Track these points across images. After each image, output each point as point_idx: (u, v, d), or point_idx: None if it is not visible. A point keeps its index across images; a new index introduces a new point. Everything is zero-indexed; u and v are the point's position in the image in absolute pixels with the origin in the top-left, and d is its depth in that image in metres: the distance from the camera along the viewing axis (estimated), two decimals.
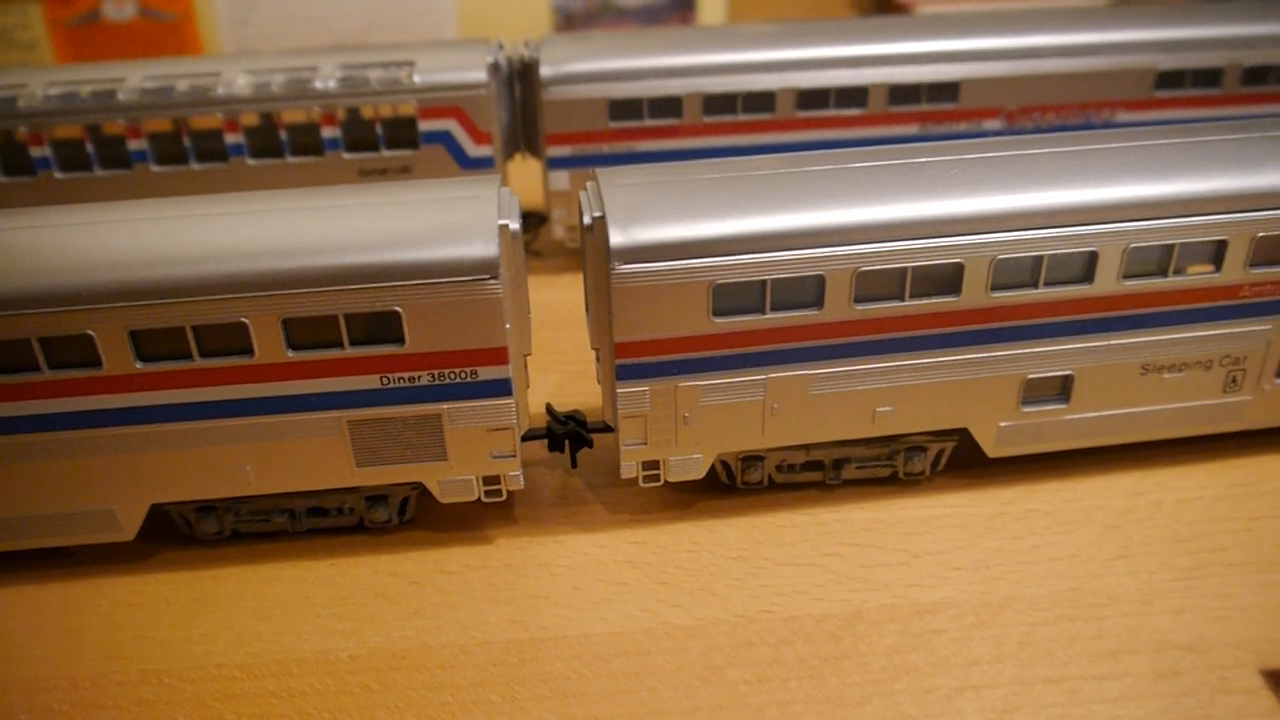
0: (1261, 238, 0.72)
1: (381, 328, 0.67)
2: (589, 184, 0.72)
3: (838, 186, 0.70)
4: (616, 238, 0.66)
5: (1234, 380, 0.78)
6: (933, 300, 0.70)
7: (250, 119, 1.00)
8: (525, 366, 0.77)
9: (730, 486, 0.78)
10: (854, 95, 1.04)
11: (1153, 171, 0.72)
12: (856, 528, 0.76)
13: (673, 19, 1.67)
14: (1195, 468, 0.80)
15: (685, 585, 0.71)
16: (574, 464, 0.79)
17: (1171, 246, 0.72)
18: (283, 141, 1.00)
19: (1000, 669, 0.64)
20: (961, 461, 0.79)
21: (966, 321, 0.72)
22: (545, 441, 0.78)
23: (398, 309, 0.66)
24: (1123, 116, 1.08)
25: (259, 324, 0.66)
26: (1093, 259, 0.71)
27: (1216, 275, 0.73)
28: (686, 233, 0.67)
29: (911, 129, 1.06)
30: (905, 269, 0.69)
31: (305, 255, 0.65)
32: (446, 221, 0.67)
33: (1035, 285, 0.71)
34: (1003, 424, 0.76)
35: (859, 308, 0.70)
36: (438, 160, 1.02)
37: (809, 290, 0.69)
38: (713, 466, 0.76)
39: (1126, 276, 0.72)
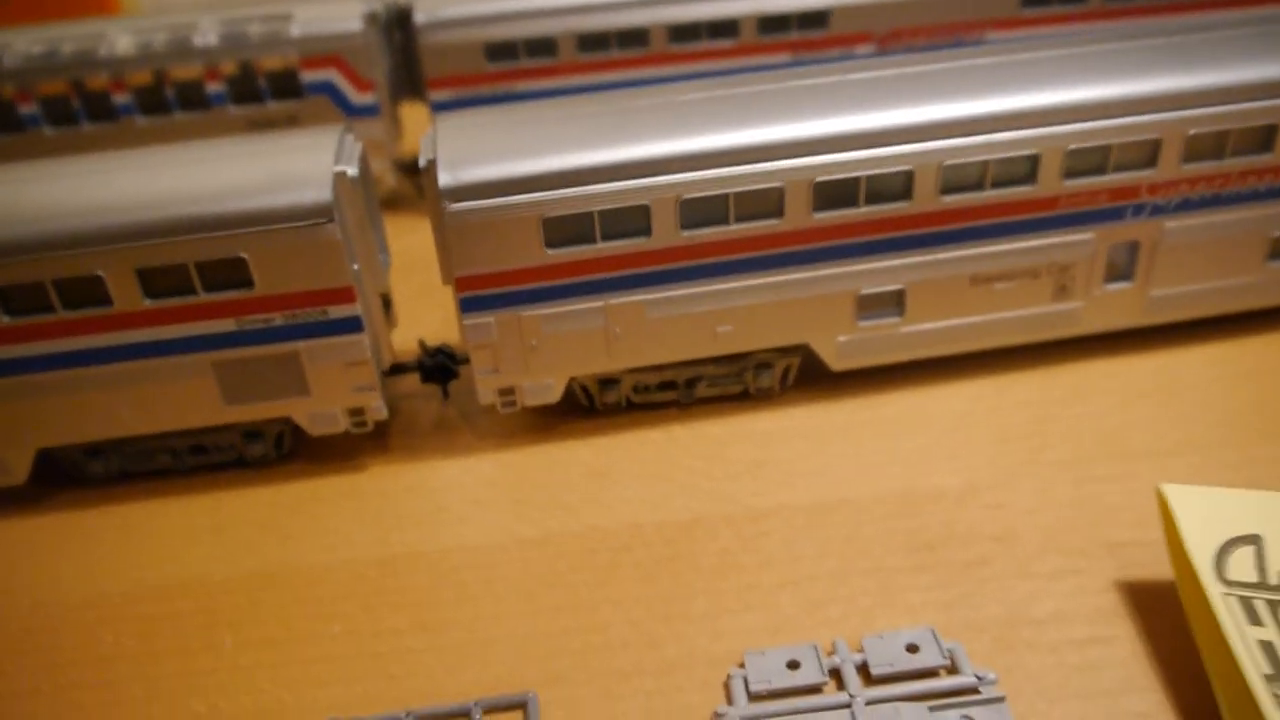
0: (1073, 150, 0.76)
1: (232, 273, 0.71)
2: (429, 128, 0.75)
3: (662, 119, 0.74)
4: (445, 178, 0.70)
5: (1064, 288, 0.82)
6: (758, 224, 0.74)
7: (137, 78, 1.03)
8: (386, 303, 0.81)
9: (591, 408, 0.83)
10: (725, 28, 1.07)
11: (965, 91, 0.75)
12: (708, 441, 0.80)
13: None
14: (1032, 373, 0.84)
15: (539, 501, 0.76)
16: (445, 394, 0.84)
17: (986, 163, 0.75)
18: (169, 99, 1.03)
19: (821, 564, 0.69)
20: (813, 376, 0.84)
21: (793, 242, 0.76)
22: (419, 375, 0.83)
23: (243, 255, 0.69)
24: (992, 36, 1.11)
25: (114, 275, 0.70)
26: (909, 178, 0.75)
27: (1034, 188, 0.77)
28: (513, 170, 0.71)
29: (783, 58, 1.09)
30: (728, 195, 0.73)
31: (153, 208, 0.69)
32: (284, 171, 0.70)
33: (857, 204, 0.75)
34: (841, 339, 0.80)
35: (686, 234, 0.74)
36: (322, 109, 1.05)
37: (637, 219, 0.73)
38: (573, 390, 0.81)
39: (945, 192, 0.76)
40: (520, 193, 0.71)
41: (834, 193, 0.74)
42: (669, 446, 0.80)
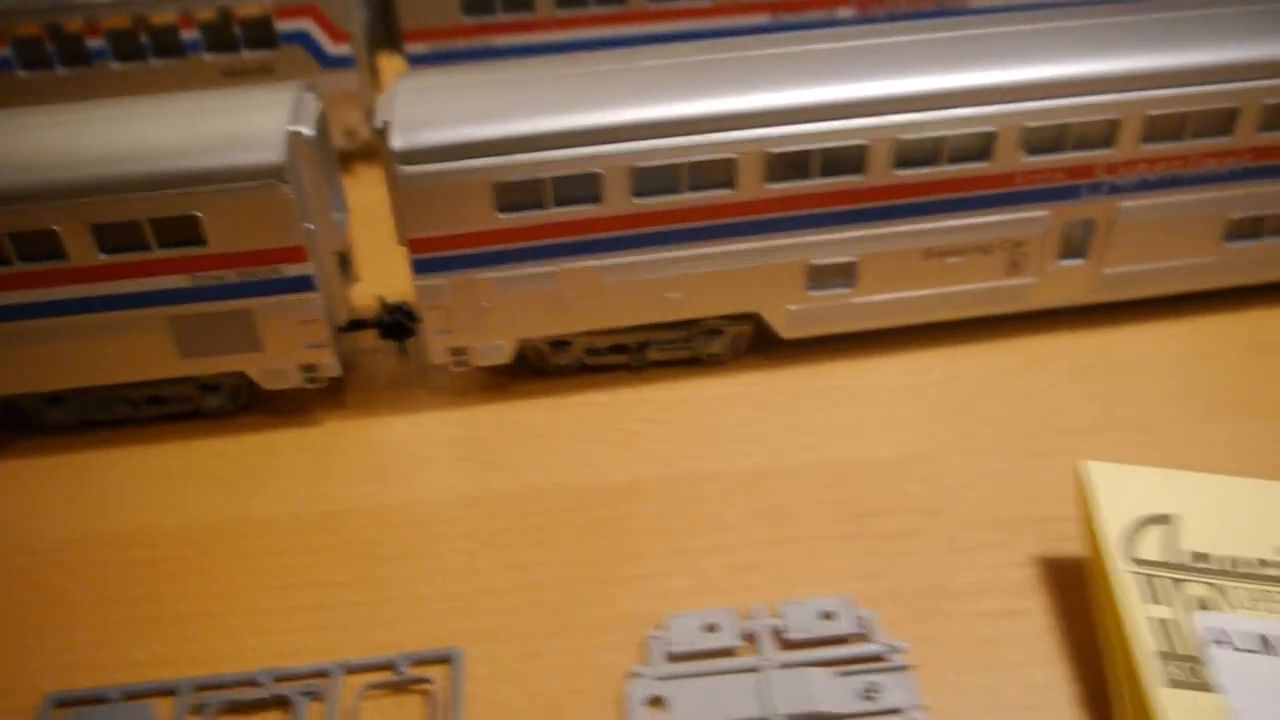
0: (1030, 128, 0.76)
1: (185, 230, 0.72)
2: (389, 89, 0.76)
3: (619, 86, 0.74)
4: (398, 141, 0.71)
5: (1017, 264, 0.82)
6: (710, 193, 0.75)
7: (112, 22, 1.03)
8: (345, 260, 0.82)
9: (544, 369, 0.84)
10: None
11: (922, 65, 0.75)
12: (655, 406, 0.82)
13: None
14: (982, 346, 0.85)
15: (485, 460, 0.77)
16: (403, 351, 0.85)
17: (941, 138, 0.75)
18: (145, 45, 1.03)
19: (750, 531, 0.71)
20: (765, 343, 0.85)
21: (745, 213, 0.76)
22: (378, 331, 0.84)
23: (196, 213, 0.71)
24: (976, 2, 1.10)
25: (69, 230, 0.71)
26: (863, 151, 0.75)
27: (989, 165, 0.77)
28: (467, 135, 0.71)
29: (763, 18, 1.09)
30: (680, 165, 0.73)
31: (107, 164, 0.70)
32: (239, 129, 0.71)
33: (810, 177, 0.75)
34: (791, 308, 0.81)
35: (638, 201, 0.74)
36: (298, 60, 1.05)
37: (589, 186, 0.74)
38: (526, 351, 0.82)
39: (899, 166, 0.76)
40: (473, 157, 0.71)
41: (787, 164, 0.75)
42: (616, 409, 0.82)
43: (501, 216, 0.73)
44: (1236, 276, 0.86)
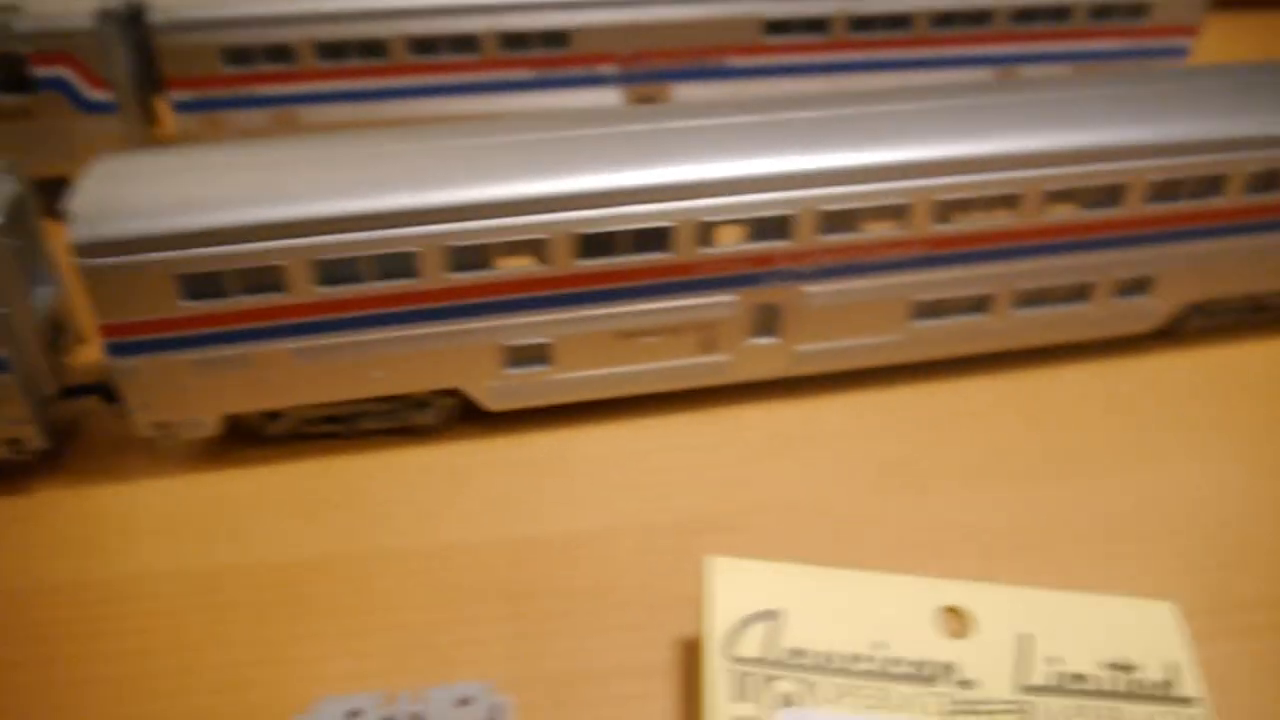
0: (706, 223, 0.80)
1: None
2: (84, 169, 0.77)
3: (309, 176, 0.76)
4: (77, 232, 0.73)
5: (711, 342, 0.87)
6: (395, 282, 0.78)
7: None
8: (59, 328, 0.83)
9: (261, 437, 0.87)
10: (466, 43, 1.09)
11: (597, 161, 0.78)
12: (359, 476, 0.85)
13: None
14: (686, 416, 0.90)
15: (187, 534, 0.80)
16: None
17: (621, 231, 0.79)
18: None
19: (420, 611, 0.74)
20: (480, 412, 0.88)
21: (432, 300, 0.79)
22: (100, 395, 0.86)
23: None
24: (734, 61, 1.14)
25: None
26: (543, 244, 0.78)
27: (671, 255, 0.81)
28: (146, 228, 0.73)
29: (527, 74, 1.11)
30: (363, 256, 0.76)
31: None
32: None
33: (490, 267, 0.79)
34: (491, 384, 0.85)
35: (323, 290, 0.77)
36: (57, 104, 1.06)
37: (273, 276, 0.76)
38: (243, 418, 0.85)
39: (582, 256, 0.80)
40: (153, 250, 0.74)
41: (467, 255, 0.78)
42: (322, 481, 0.85)
43: (186, 305, 0.76)
44: (924, 352, 0.92)
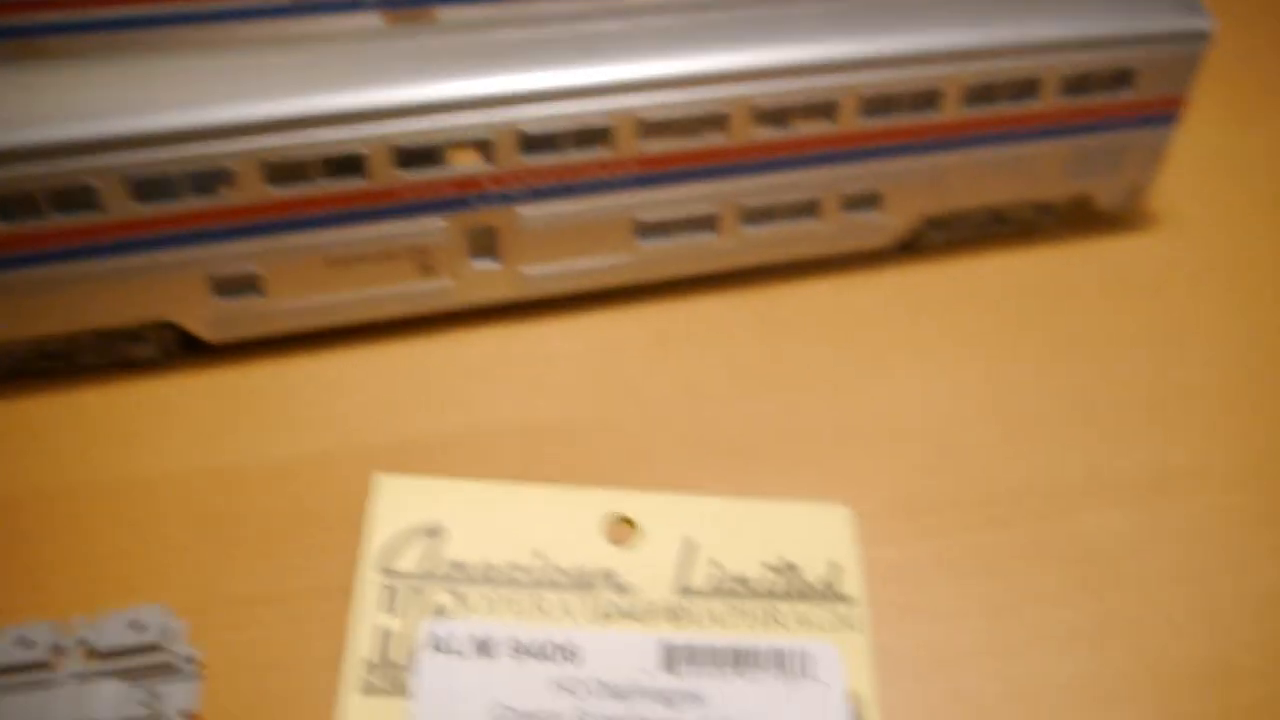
0: (399, 148, 0.80)
1: None
2: None
3: None
4: None
5: (429, 267, 0.87)
6: (77, 215, 0.77)
7: None
8: None
9: None
10: None
11: (259, 91, 0.78)
12: (63, 408, 0.84)
13: None
14: (412, 343, 0.91)
15: None
16: None
17: (315, 157, 0.79)
18: None
19: (128, 543, 0.76)
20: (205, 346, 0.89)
21: (120, 233, 0.78)
22: None
23: None
24: None
25: None
26: (228, 174, 0.78)
27: (367, 182, 0.81)
28: None
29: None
30: (38, 191, 0.75)
31: None
32: None
33: (175, 197, 0.78)
34: (204, 314, 0.85)
35: (3, 225, 0.76)
36: None
37: None
38: None
39: (274, 183, 0.79)
40: None
41: (151, 187, 0.77)
42: (32, 417, 0.84)
43: None
44: (658, 272, 0.93)
